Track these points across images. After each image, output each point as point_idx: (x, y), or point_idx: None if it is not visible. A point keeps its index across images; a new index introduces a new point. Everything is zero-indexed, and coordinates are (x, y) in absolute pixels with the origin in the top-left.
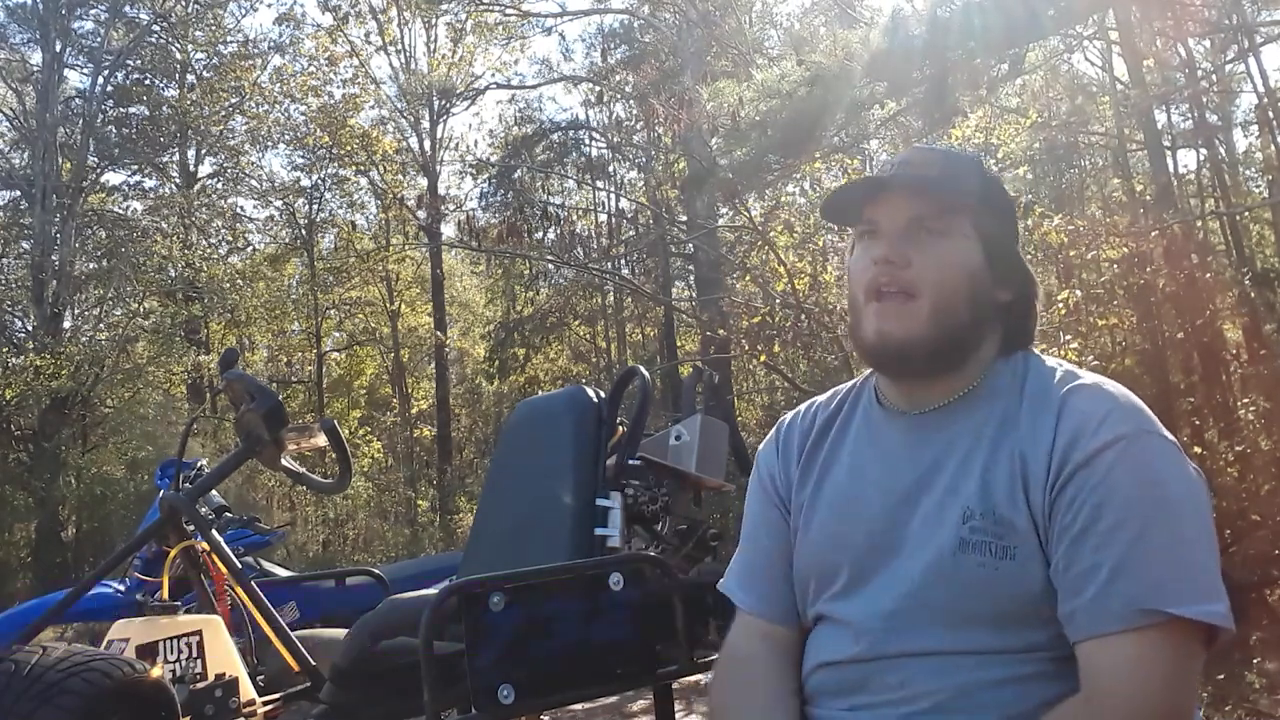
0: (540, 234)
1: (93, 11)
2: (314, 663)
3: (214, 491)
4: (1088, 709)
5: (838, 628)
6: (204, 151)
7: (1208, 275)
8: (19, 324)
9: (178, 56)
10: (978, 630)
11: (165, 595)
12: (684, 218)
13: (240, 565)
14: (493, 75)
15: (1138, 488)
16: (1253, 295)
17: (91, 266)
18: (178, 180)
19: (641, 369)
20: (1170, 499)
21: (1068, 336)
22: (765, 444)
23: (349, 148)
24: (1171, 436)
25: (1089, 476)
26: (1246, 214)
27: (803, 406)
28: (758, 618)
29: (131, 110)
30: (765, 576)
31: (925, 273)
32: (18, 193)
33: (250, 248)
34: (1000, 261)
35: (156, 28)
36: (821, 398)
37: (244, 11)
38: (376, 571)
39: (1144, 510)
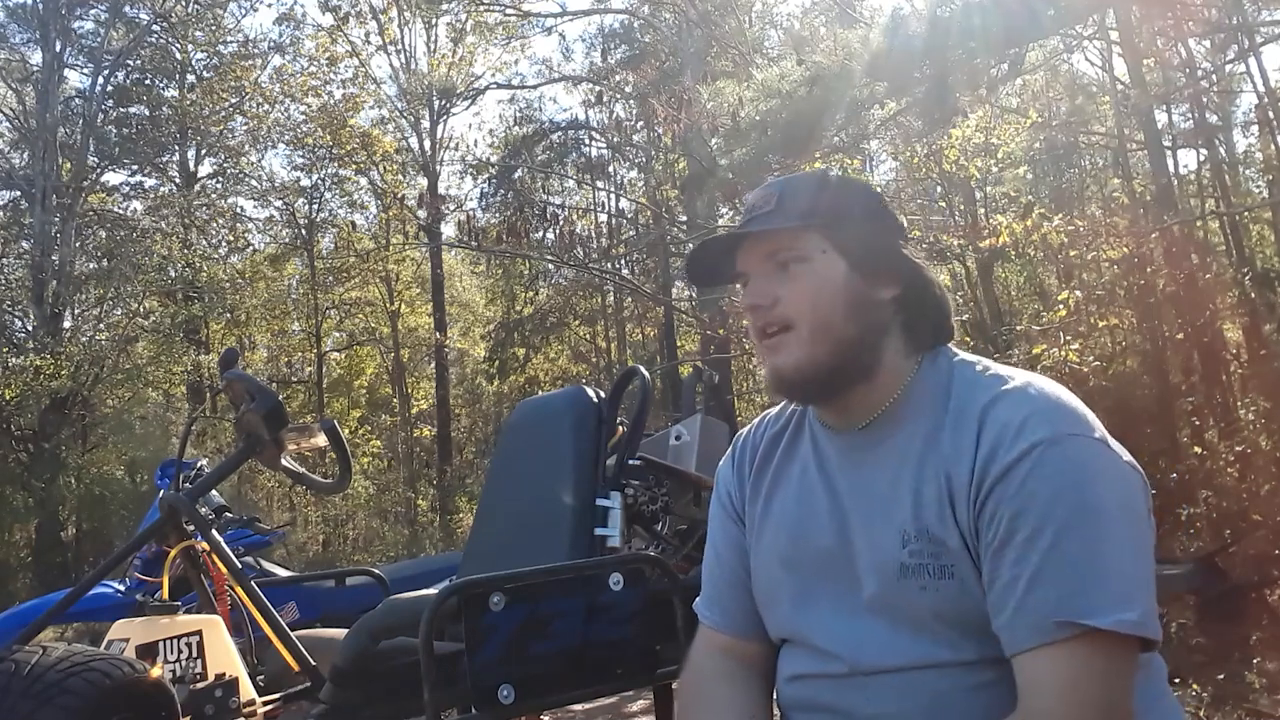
0: (540, 234)
1: (93, 11)
2: (314, 663)
3: (214, 491)
4: None
5: (799, 646)
6: (204, 151)
7: (1208, 275)
8: (19, 324)
9: (178, 56)
10: (934, 645)
11: (165, 595)
12: (684, 218)
13: (240, 565)
14: (493, 75)
15: (1053, 494)
16: (1253, 295)
17: (91, 266)
18: (178, 180)
19: (641, 369)
20: (1088, 503)
21: (1068, 337)
22: (723, 460)
23: (349, 148)
24: (1100, 433)
25: (1006, 488)
26: (1246, 214)
27: (755, 420)
28: (719, 632)
29: (131, 110)
30: (728, 591)
31: (794, 303)
32: (18, 193)
33: (250, 248)
34: (870, 262)
35: (156, 28)
36: (773, 411)
37: (244, 11)
38: (376, 571)
39: (1060, 517)
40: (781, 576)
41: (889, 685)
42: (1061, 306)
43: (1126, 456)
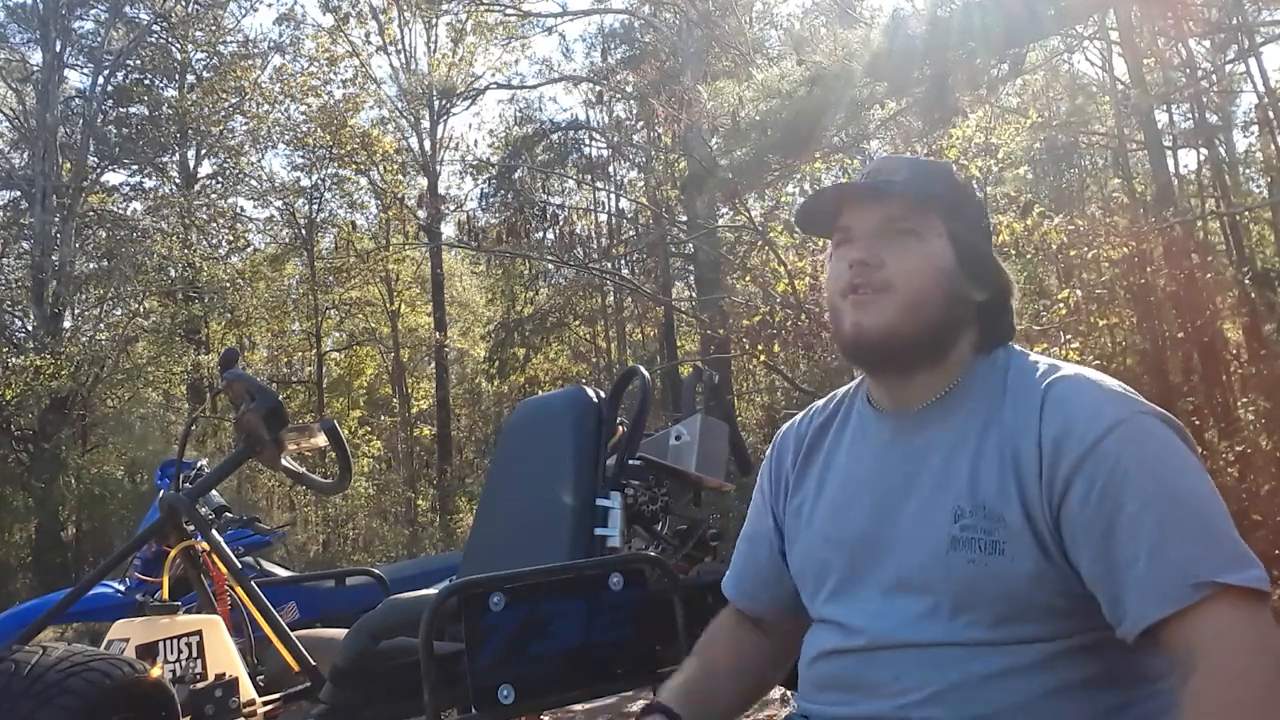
0: (540, 234)
1: (93, 11)
2: (314, 663)
3: (214, 491)
4: (1208, 683)
5: (832, 626)
6: (204, 151)
7: (1208, 275)
8: (19, 324)
9: (178, 56)
10: (970, 623)
11: (165, 595)
12: (684, 218)
13: (240, 565)
14: (493, 75)
15: (1147, 473)
16: (1253, 295)
17: (91, 266)
18: (178, 180)
19: (641, 369)
20: (1175, 476)
21: (1068, 336)
22: (767, 453)
23: (349, 148)
24: (1155, 407)
25: (1097, 468)
26: (1246, 214)
27: (800, 414)
28: (745, 611)
29: (131, 110)
30: (756, 578)
31: (899, 271)
32: (18, 193)
33: (250, 248)
34: (973, 262)
35: (156, 28)
36: (819, 403)
37: (244, 11)
38: (376, 571)
39: (1160, 493)
40: (830, 558)
41: (917, 662)
42: (1061, 306)
43: (1166, 414)
